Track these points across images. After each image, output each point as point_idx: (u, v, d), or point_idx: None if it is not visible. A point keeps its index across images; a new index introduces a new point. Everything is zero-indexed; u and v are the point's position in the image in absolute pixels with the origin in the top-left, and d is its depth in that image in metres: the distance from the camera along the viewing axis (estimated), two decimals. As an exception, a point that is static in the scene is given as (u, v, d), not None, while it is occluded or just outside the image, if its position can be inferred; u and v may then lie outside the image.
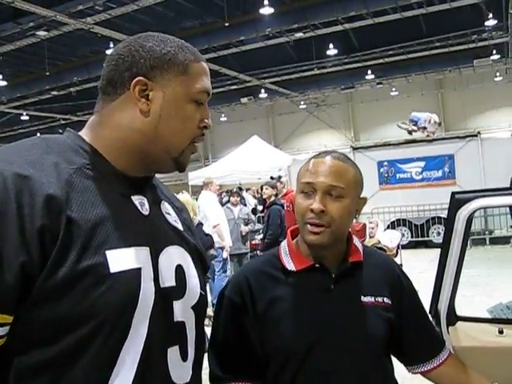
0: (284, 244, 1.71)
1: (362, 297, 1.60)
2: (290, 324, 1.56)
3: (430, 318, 1.90)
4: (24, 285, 0.96)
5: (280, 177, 10.22)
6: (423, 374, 1.73)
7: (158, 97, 1.15)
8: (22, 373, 0.98)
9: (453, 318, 2.31)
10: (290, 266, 1.62)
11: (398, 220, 15.06)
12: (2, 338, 0.97)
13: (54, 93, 19.87)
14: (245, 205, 11.63)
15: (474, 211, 2.11)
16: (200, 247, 1.35)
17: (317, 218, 1.52)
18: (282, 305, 1.58)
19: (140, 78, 1.14)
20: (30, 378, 0.98)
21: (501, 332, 2.25)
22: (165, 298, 1.12)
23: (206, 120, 1.21)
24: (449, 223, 2.19)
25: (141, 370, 1.05)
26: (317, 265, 1.61)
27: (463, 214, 2.12)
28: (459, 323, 2.32)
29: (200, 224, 6.81)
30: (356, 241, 1.69)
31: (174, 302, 1.15)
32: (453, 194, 2.16)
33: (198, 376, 1.23)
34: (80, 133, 1.20)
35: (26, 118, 23.84)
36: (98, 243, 1.03)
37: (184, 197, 6.97)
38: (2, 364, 0.99)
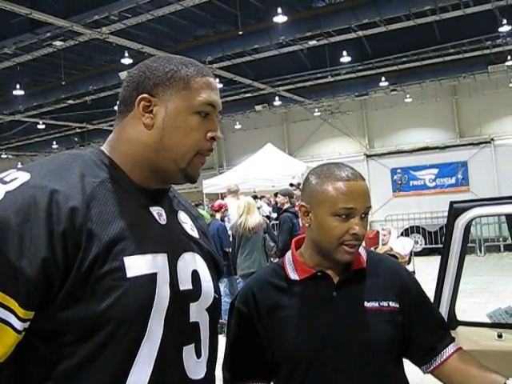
0: (288, 254, 1.77)
1: (366, 302, 1.63)
2: (293, 332, 1.61)
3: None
4: (45, 282, 1.03)
5: (299, 183, 10.22)
6: (436, 372, 1.70)
7: (161, 111, 1.24)
8: (43, 371, 1.07)
9: (453, 322, 2.37)
10: (294, 275, 1.69)
11: (412, 227, 15.02)
12: (20, 334, 1.04)
13: (70, 102, 20.02)
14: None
15: (472, 220, 2.18)
16: (214, 253, 1.44)
17: (356, 240, 1.60)
18: (285, 313, 1.64)
19: (144, 95, 1.24)
20: (50, 373, 1.07)
21: (500, 336, 2.31)
22: (182, 300, 1.21)
23: (213, 132, 1.28)
24: (448, 231, 2.25)
25: (158, 367, 1.12)
26: (319, 273, 1.66)
27: (461, 222, 2.18)
28: (459, 328, 2.38)
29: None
30: (360, 248, 1.72)
31: (191, 303, 1.24)
32: (451, 203, 2.23)
33: (212, 373, 1.32)
34: (101, 147, 1.30)
35: (43, 126, 23.99)
36: (117, 251, 1.11)
37: (247, 200, 7.67)
38: (22, 360, 1.07)
